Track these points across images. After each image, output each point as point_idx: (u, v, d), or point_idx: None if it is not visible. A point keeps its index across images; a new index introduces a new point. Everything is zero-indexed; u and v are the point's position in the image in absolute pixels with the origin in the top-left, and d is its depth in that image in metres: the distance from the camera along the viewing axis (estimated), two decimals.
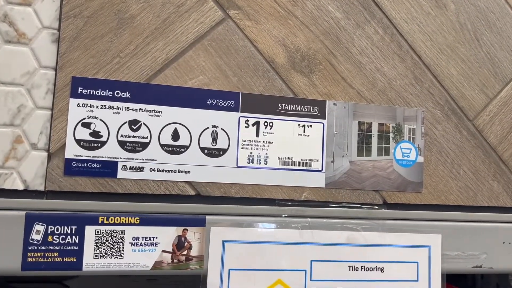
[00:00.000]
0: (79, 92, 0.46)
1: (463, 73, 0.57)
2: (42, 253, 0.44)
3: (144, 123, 0.47)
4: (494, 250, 0.55)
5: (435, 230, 0.54)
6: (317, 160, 0.51)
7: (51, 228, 0.44)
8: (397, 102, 0.55)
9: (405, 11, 0.56)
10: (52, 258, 0.44)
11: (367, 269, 0.51)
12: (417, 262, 0.53)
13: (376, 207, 0.53)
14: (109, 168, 0.46)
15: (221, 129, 0.49)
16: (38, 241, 0.44)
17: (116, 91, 0.47)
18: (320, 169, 0.52)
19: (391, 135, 0.54)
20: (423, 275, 0.53)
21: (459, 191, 0.56)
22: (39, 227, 0.44)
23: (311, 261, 0.50)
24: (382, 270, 0.52)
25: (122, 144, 0.47)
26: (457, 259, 0.54)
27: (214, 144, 0.49)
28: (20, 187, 0.44)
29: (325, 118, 0.52)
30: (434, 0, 0.57)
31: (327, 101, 0.52)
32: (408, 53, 0.56)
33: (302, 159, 0.51)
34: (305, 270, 0.50)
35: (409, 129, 0.55)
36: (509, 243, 0.56)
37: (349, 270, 0.51)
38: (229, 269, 0.48)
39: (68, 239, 0.45)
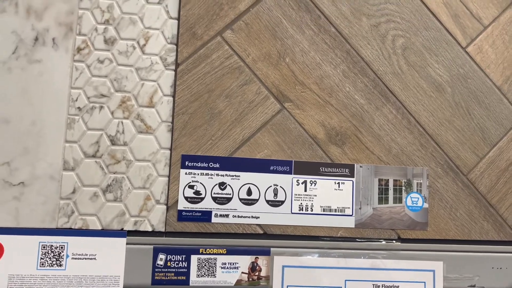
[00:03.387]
0: (186, 164, 0.69)
1: (459, 139, 0.76)
2: (163, 274, 0.66)
3: (228, 184, 0.69)
4: (485, 273, 0.74)
5: (438, 258, 0.73)
6: (349, 208, 0.72)
7: (169, 257, 0.67)
8: (407, 164, 0.75)
9: (412, 95, 0.76)
10: (170, 277, 0.67)
11: (386, 286, 0.71)
12: (424, 282, 0.72)
13: (393, 241, 0.73)
14: (206, 216, 0.68)
15: (280, 186, 0.71)
16: (161, 265, 0.66)
17: (210, 163, 0.69)
18: (351, 214, 0.72)
19: (403, 188, 0.74)
20: None
21: (456, 229, 0.75)
22: (162, 256, 0.67)
23: (345, 280, 0.70)
24: (397, 287, 0.71)
25: (214, 199, 0.69)
26: (456, 280, 0.73)
27: (275, 198, 0.70)
28: (149, 229, 0.67)
29: (354, 177, 0.73)
30: (435, 86, 0.77)
31: (355, 164, 0.73)
32: (416, 126, 0.75)
33: (337, 207, 0.72)
34: (341, 287, 0.70)
35: (417, 183, 0.74)
36: (497, 268, 0.74)
37: (373, 287, 0.71)
38: (287, 286, 0.69)
39: (180, 264, 0.67)
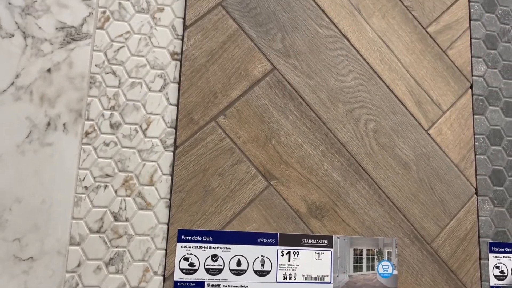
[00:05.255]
0: (182, 238, 0.76)
1: (423, 212, 0.87)
2: None
3: (220, 256, 0.77)
4: None
5: None
6: (328, 276, 0.80)
7: None
8: (378, 234, 0.84)
9: (383, 173, 0.86)
10: None
11: None
12: None
13: None
14: (199, 286, 0.75)
15: (266, 257, 0.78)
16: None
17: (203, 237, 0.77)
18: (330, 281, 0.80)
19: (375, 256, 0.83)
20: None
21: None
22: None
23: None
24: None
25: (207, 270, 0.76)
26: None
27: (262, 268, 0.78)
28: None
29: (332, 247, 0.81)
30: (402, 164, 0.87)
31: (333, 236, 0.82)
32: (386, 201, 0.85)
33: (318, 275, 0.80)
34: None
35: (387, 252, 0.83)
36: None
37: None
38: None
39: None
